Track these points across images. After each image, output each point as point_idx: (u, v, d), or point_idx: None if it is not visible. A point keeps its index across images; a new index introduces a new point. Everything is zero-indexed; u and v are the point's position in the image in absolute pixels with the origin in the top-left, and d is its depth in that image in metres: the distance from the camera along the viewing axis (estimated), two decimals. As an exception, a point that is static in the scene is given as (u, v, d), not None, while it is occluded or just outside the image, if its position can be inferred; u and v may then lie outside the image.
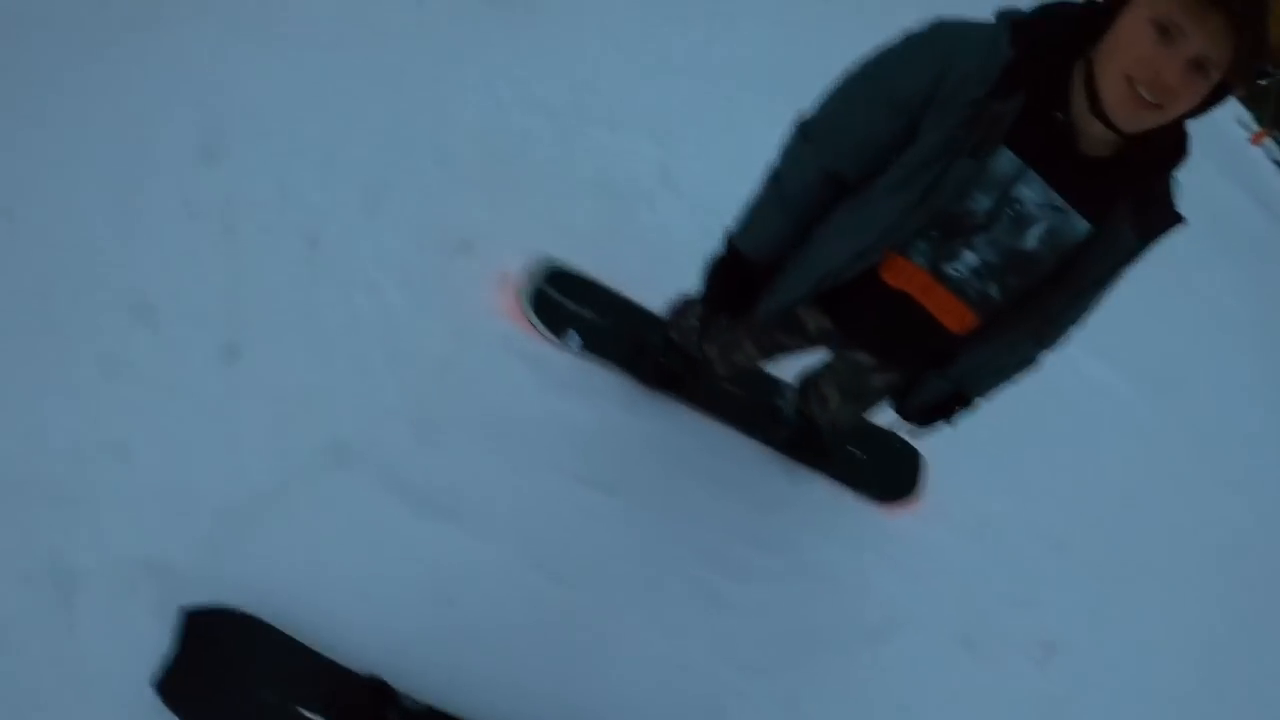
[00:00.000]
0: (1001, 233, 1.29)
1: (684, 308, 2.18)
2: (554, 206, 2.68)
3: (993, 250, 1.32)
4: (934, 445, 2.71)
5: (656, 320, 2.38)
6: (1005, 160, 1.22)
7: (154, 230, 2.13)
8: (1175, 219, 1.31)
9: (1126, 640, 2.88)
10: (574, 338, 2.36)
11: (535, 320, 2.36)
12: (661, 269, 2.39)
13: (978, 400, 1.69)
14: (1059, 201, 1.25)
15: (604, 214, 2.75)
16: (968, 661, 2.54)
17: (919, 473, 2.72)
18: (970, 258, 1.33)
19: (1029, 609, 2.76)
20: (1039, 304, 1.38)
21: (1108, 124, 1.16)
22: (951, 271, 1.36)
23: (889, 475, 2.66)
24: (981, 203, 1.27)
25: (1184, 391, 4.25)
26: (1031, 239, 1.29)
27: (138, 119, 2.27)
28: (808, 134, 1.42)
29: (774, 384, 2.57)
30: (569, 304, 2.42)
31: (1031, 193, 1.25)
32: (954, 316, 1.41)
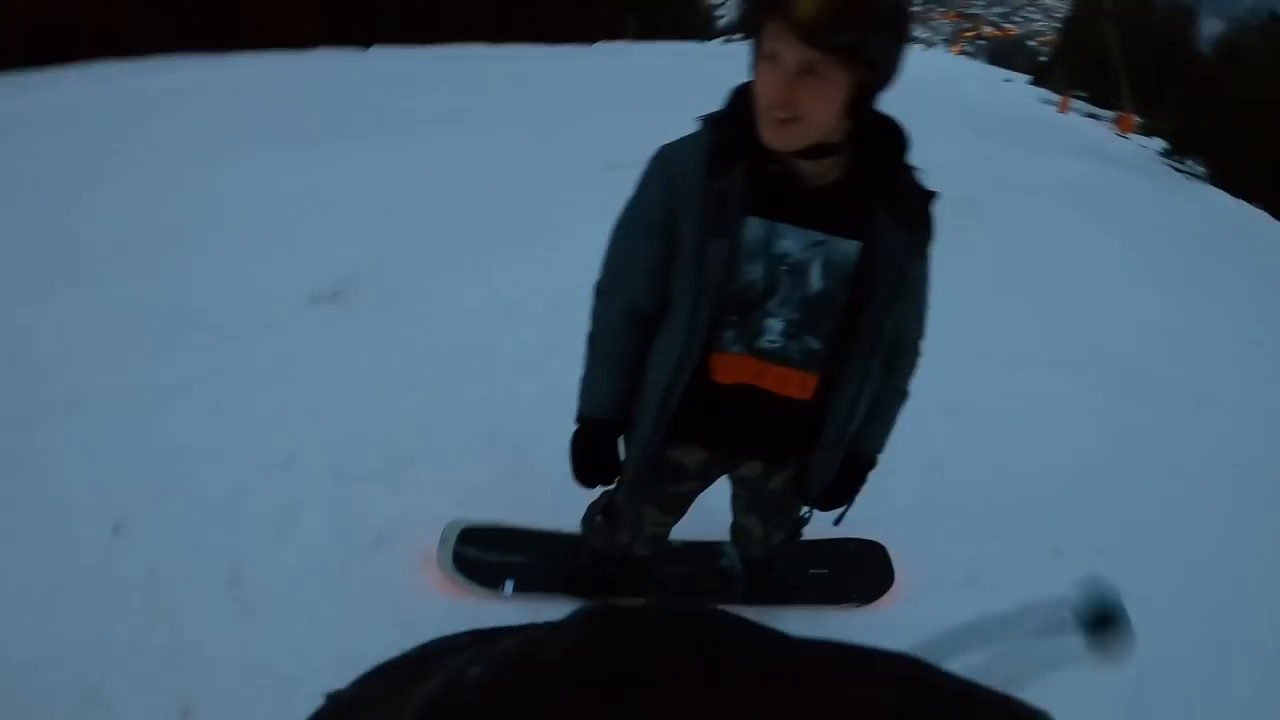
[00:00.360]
0: (787, 289, 1.39)
1: (588, 513, 2.25)
2: (452, 471, 2.85)
3: (788, 308, 1.41)
4: (888, 528, 2.81)
5: (577, 539, 2.42)
6: (754, 227, 1.35)
7: (84, 615, 2.20)
8: (927, 196, 1.40)
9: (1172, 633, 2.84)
10: (508, 585, 2.42)
11: (466, 582, 2.42)
12: (568, 493, 2.49)
13: (876, 456, 1.73)
14: (818, 237, 1.36)
15: (501, 461, 2.92)
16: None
17: (887, 560, 2.75)
18: (774, 324, 1.42)
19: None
20: (859, 332, 1.44)
21: (799, 156, 1.32)
22: (767, 345, 1.44)
23: (860, 577, 2.67)
24: (754, 273, 1.38)
25: (1105, 367, 4.56)
26: (815, 281, 1.38)
27: (48, 514, 2.44)
28: (601, 289, 1.56)
29: (710, 547, 2.62)
30: (492, 556, 2.49)
31: (791, 242, 1.36)
32: (795, 385, 1.48)
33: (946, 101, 19.81)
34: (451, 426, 3.05)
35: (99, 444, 2.76)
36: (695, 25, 39.04)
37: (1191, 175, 23.62)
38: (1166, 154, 29.54)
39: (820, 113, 1.24)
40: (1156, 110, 37.14)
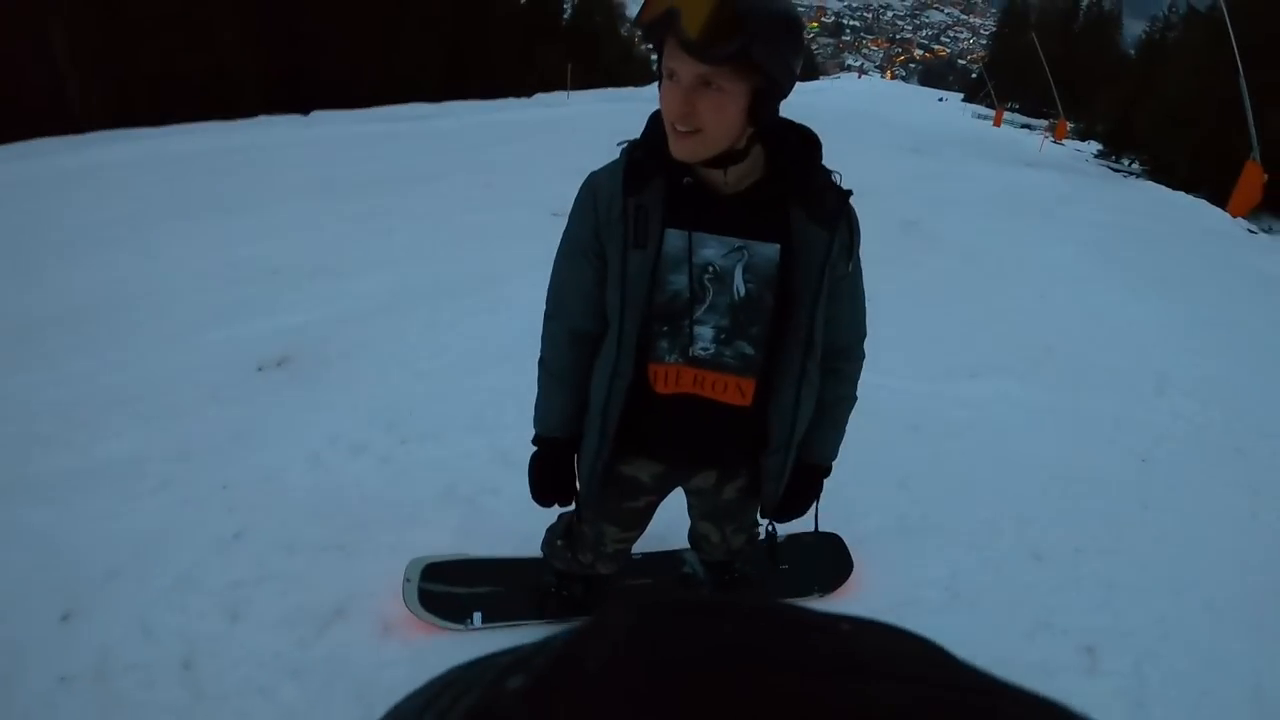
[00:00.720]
0: (713, 296, 1.43)
1: (548, 535, 2.25)
2: (408, 533, 2.73)
3: (716, 314, 1.45)
4: (861, 550, 2.76)
5: (540, 563, 2.40)
6: (674, 238, 1.40)
7: (35, 707, 2.07)
8: (843, 195, 1.43)
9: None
10: (476, 617, 2.35)
11: (433, 619, 2.34)
12: (528, 546, 2.44)
13: (829, 462, 1.75)
14: (737, 243, 1.41)
15: (456, 519, 2.83)
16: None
17: (845, 550, 2.73)
18: (705, 332, 1.46)
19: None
20: (789, 333, 1.47)
21: (707, 166, 1.37)
22: (700, 352, 1.48)
23: (820, 568, 2.67)
24: (678, 282, 1.43)
25: (1062, 365, 4.55)
26: (740, 285, 1.42)
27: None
28: (547, 314, 1.62)
29: (670, 556, 2.62)
30: (458, 589, 2.43)
31: (711, 250, 1.41)
32: (733, 391, 1.51)
33: (884, 126, 20.33)
34: (405, 488, 2.95)
35: (46, 530, 2.63)
36: (632, 70, 39.63)
37: (1128, 173, 24.26)
38: (1102, 155, 30.41)
39: (720, 123, 1.29)
40: (1088, 114, 38.23)
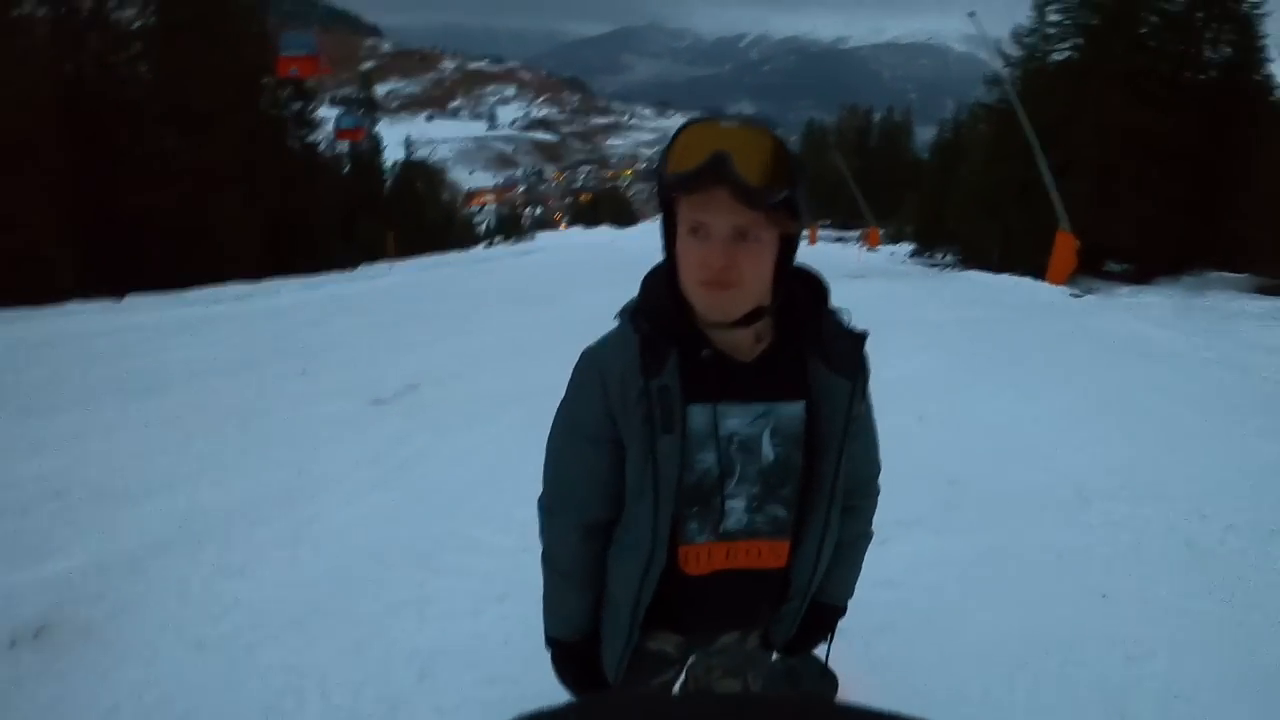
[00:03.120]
0: (742, 466, 1.35)
1: None
2: None
3: (748, 484, 1.37)
4: None
5: None
6: (697, 414, 1.31)
7: None
8: (858, 338, 1.38)
9: None
10: None
11: None
12: None
13: (844, 603, 1.67)
14: (761, 408, 1.33)
15: None
16: None
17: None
18: (737, 505, 1.38)
19: None
20: (818, 487, 1.40)
21: (737, 324, 1.29)
22: (733, 526, 1.39)
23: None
24: (706, 460, 1.34)
25: (970, 495, 4.08)
26: (768, 450, 1.35)
27: None
28: (548, 507, 1.48)
29: None
30: None
31: (737, 420, 1.33)
32: (768, 555, 1.43)
33: None
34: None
35: None
36: (457, 233, 40.06)
37: (945, 265, 25.71)
38: (917, 253, 32.35)
39: (758, 276, 1.25)
40: (896, 218, 41.02)
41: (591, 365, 1.38)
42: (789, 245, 1.28)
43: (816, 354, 1.35)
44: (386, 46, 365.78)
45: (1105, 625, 2.99)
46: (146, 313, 11.15)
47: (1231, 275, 16.37)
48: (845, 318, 1.39)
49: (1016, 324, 10.11)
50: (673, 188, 1.22)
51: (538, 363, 7.25)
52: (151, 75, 22.75)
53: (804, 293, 1.36)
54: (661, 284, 1.33)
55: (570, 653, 1.58)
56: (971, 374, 6.88)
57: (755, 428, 1.34)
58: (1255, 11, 19.08)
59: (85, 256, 17.91)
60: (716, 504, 1.38)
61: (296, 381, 6.95)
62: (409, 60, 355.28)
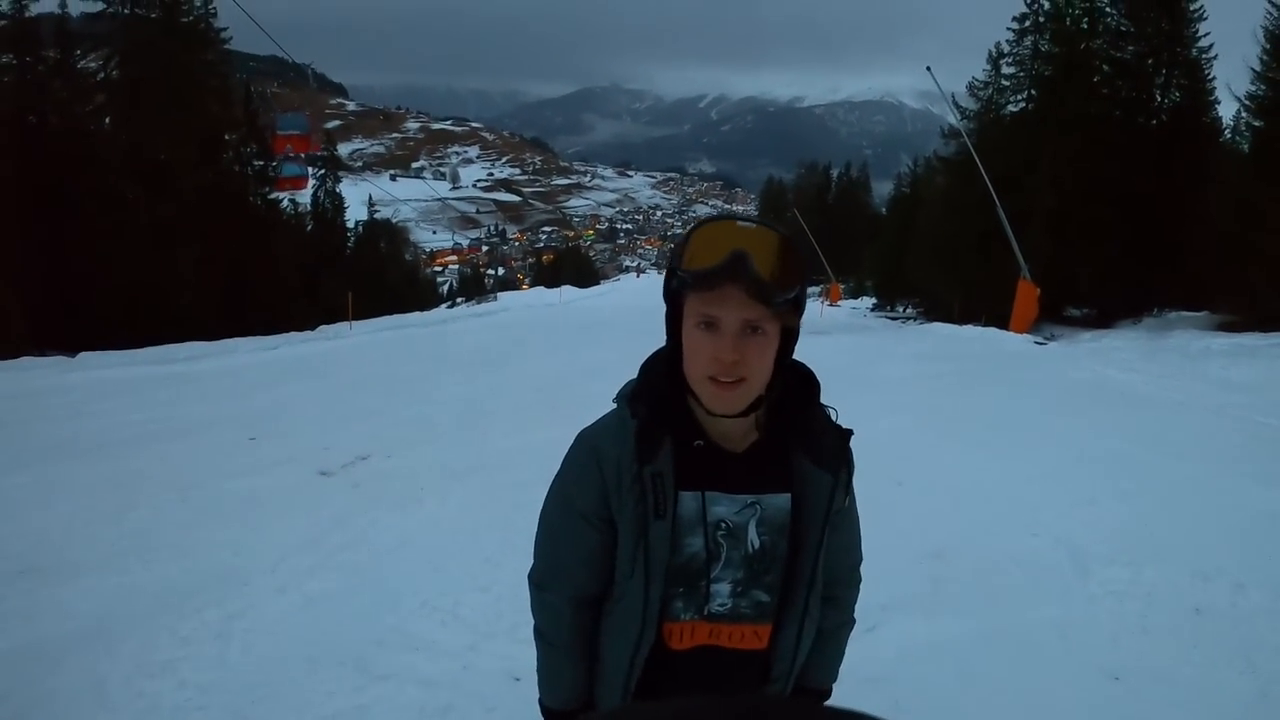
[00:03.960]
0: (728, 552, 1.40)
1: None
2: None
3: (732, 569, 1.41)
4: None
5: None
6: (687, 500, 1.37)
7: None
8: (844, 436, 1.42)
9: None
10: None
11: None
12: None
13: (829, 686, 1.69)
14: (749, 499, 1.38)
15: None
16: None
17: None
18: (722, 589, 1.42)
19: None
20: (801, 578, 1.43)
21: (738, 415, 1.34)
22: (718, 609, 1.43)
23: None
24: (694, 544, 1.39)
25: (958, 570, 3.80)
26: (753, 539, 1.39)
27: None
28: (539, 582, 1.52)
29: None
30: None
31: (724, 508, 1.38)
32: (749, 638, 1.46)
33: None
34: None
35: None
36: (420, 293, 39.81)
37: (906, 319, 25.90)
38: (878, 307, 32.66)
39: (764, 369, 1.30)
40: (856, 272, 41.50)
41: (588, 448, 1.44)
42: (788, 337, 1.33)
43: (802, 448, 1.40)
44: (351, 106, 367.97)
45: (1121, 713, 2.74)
46: (99, 370, 11.03)
47: (1191, 314, 16.59)
48: (833, 414, 1.44)
49: (986, 375, 10.02)
50: (693, 285, 1.27)
51: (494, 430, 7.15)
52: (113, 127, 22.79)
53: (797, 385, 1.42)
54: (662, 371, 1.39)
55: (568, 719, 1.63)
56: (946, 432, 6.70)
57: (743, 517, 1.39)
58: (1205, 56, 19.70)
59: (39, 309, 17.65)
60: (702, 586, 1.43)
61: (244, 449, 6.69)
62: (373, 120, 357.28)
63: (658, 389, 1.40)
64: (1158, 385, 8.69)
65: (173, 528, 4.72)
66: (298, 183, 28.28)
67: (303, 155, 26.67)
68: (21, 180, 18.30)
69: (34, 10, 20.75)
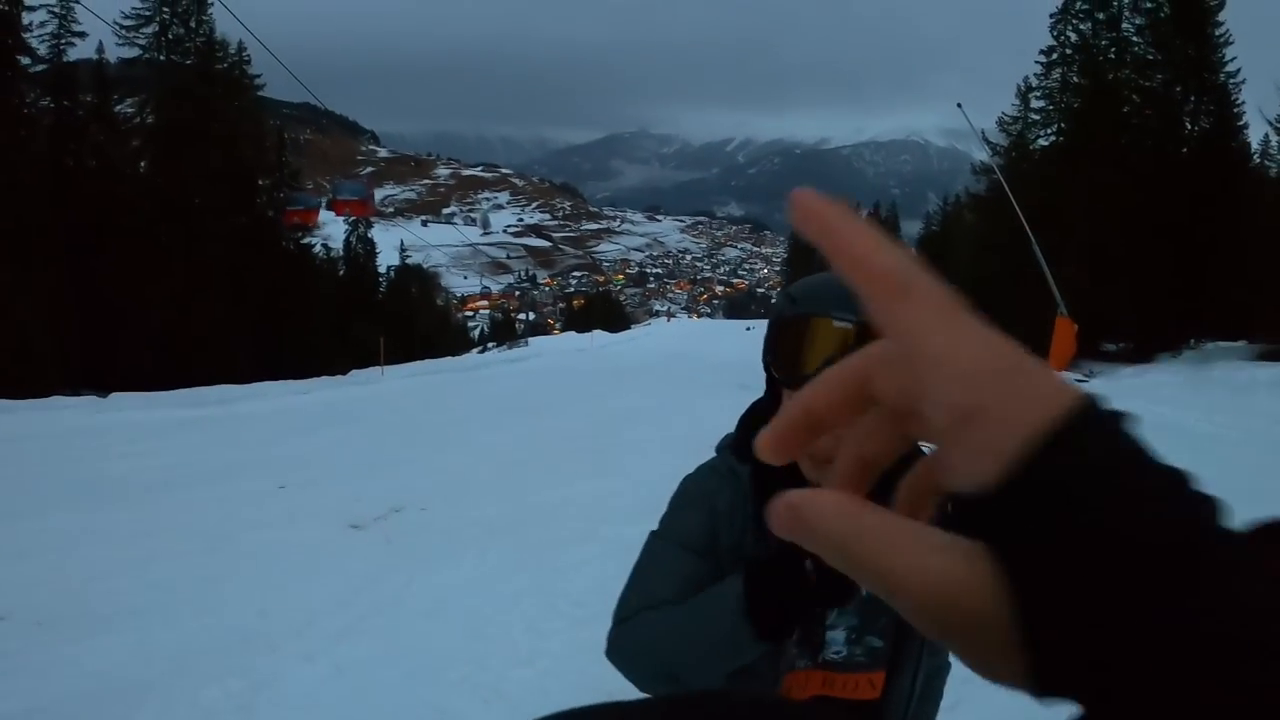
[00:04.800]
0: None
1: None
2: None
3: (847, 615, 1.41)
4: None
5: None
6: None
7: None
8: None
9: None
10: None
11: None
12: None
13: None
14: None
15: None
16: None
17: None
18: (838, 635, 1.42)
19: None
20: None
21: None
22: (834, 656, 1.43)
23: None
24: None
25: None
26: None
27: None
28: (623, 617, 1.42)
29: None
30: None
31: None
32: (864, 687, 1.45)
33: (704, 364, 20.66)
34: None
35: None
36: (451, 338, 40.01)
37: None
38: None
39: None
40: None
41: (700, 491, 1.46)
42: None
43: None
44: (383, 152, 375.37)
45: None
46: (130, 412, 11.15)
47: (1228, 344, 16.17)
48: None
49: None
50: (796, 385, 1.27)
51: (531, 481, 6.93)
52: (148, 171, 23.29)
53: None
54: (765, 421, 1.22)
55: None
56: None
57: None
58: (1233, 81, 19.48)
59: (73, 348, 18.07)
60: (818, 634, 1.43)
61: (273, 498, 6.63)
62: (404, 166, 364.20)
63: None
64: (1212, 423, 8.44)
65: (196, 582, 4.62)
66: (308, 216, 27.75)
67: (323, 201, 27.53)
68: (57, 222, 18.78)
69: (72, 56, 21.60)
